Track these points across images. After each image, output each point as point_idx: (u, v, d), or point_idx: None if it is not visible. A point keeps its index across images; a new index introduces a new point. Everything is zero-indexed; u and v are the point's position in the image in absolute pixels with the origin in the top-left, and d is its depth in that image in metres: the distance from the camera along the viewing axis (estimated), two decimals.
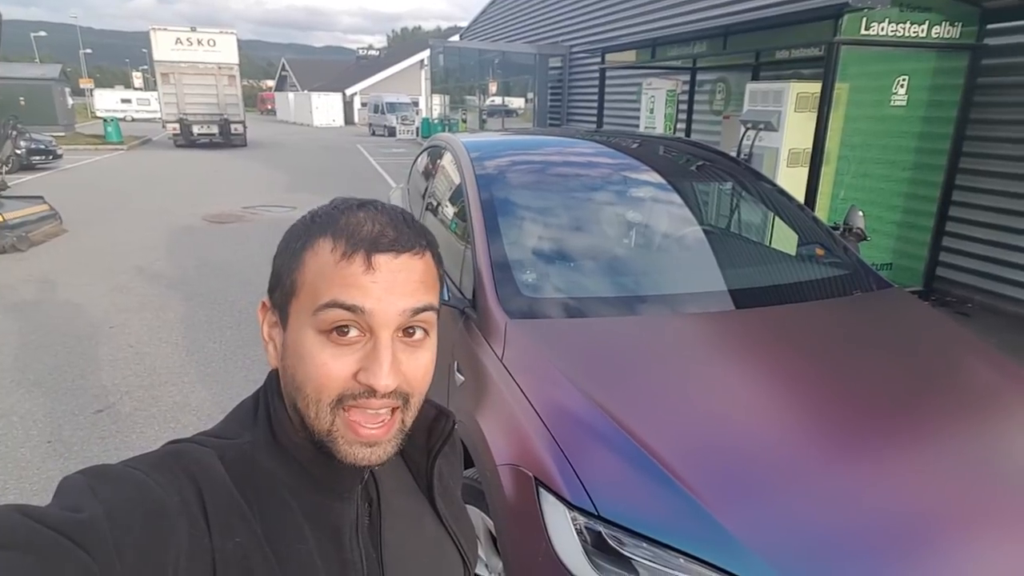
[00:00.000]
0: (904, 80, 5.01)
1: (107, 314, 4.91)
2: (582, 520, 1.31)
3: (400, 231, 0.60)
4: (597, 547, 1.29)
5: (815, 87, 5.00)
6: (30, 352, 4.16)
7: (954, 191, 5.29)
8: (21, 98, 20.33)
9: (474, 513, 1.67)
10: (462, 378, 1.92)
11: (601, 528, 1.28)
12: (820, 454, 1.44)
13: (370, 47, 55.78)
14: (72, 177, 13.25)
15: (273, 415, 0.62)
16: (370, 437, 0.58)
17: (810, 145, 4.89)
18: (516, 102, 17.67)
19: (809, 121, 4.96)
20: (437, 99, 22.83)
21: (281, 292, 0.61)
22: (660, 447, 1.38)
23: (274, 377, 0.64)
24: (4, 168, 7.69)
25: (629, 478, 1.34)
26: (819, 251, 2.43)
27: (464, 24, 23.17)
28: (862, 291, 2.22)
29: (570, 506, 1.32)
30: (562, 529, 1.33)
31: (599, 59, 8.84)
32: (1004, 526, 1.30)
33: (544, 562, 1.34)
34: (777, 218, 2.65)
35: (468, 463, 1.66)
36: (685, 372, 1.72)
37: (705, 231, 2.64)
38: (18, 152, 9.14)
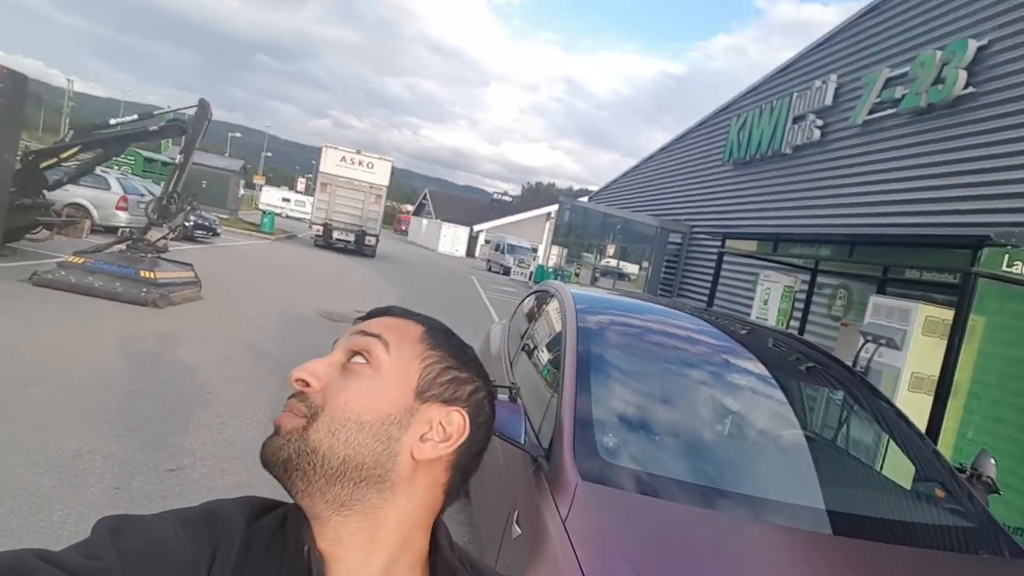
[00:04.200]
0: None
1: (209, 380, 5.22)
2: None
3: (396, 308, 0.72)
4: None
5: (947, 313, 4.73)
6: (132, 400, 4.45)
7: None
8: (204, 181, 23.61)
9: None
10: (519, 531, 1.81)
11: None
12: None
13: (505, 193, 60.71)
14: (222, 253, 14.85)
15: None
16: (276, 420, 0.62)
17: (937, 372, 4.53)
18: (630, 267, 18.12)
19: (938, 347, 4.64)
20: (555, 250, 23.93)
21: None
22: None
23: None
24: (171, 235, 8.75)
25: None
26: (939, 492, 2.16)
27: (592, 187, 24.72)
28: (990, 553, 1.92)
29: None
30: None
31: (719, 242, 9.01)
32: None
33: None
34: (892, 443, 2.42)
35: None
36: None
37: (808, 437, 2.45)
38: (186, 224, 10.51)
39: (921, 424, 4.28)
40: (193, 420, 4.31)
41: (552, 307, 3.06)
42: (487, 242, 40.99)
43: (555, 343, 2.64)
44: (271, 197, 45.64)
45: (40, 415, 3.88)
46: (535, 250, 34.02)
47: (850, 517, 1.94)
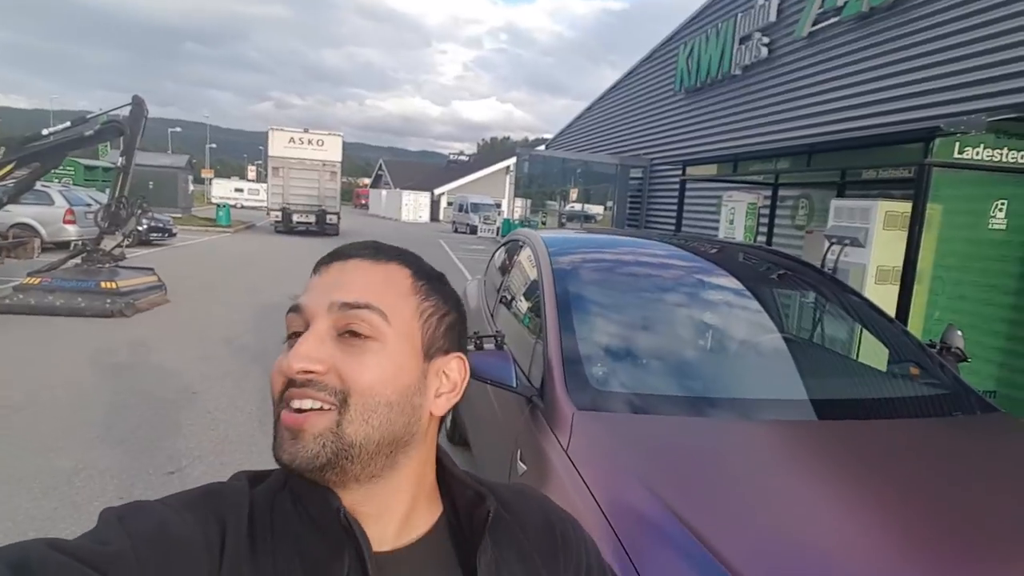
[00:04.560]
0: (1003, 204, 4.81)
1: (192, 380, 5.17)
2: None
3: (364, 246, 0.64)
4: None
5: (905, 206, 4.87)
6: (117, 411, 4.39)
7: None
8: (151, 182, 22.77)
9: None
10: (524, 467, 1.87)
11: None
12: None
13: (461, 153, 59.84)
14: (182, 253, 14.48)
15: None
16: (291, 422, 0.56)
17: (900, 263, 4.69)
18: (595, 208, 18.16)
19: (899, 239, 4.80)
20: (519, 202, 23.77)
21: None
22: (733, 557, 1.27)
23: None
24: (125, 241, 8.49)
25: None
26: (914, 370, 2.27)
27: (548, 136, 24.50)
28: (964, 413, 2.05)
29: None
30: None
31: (680, 171, 9.05)
32: None
33: None
34: (865, 331, 2.53)
35: None
36: (762, 480, 1.61)
37: (786, 339, 2.54)
38: (139, 228, 10.13)
39: (890, 312, 4.46)
40: (183, 421, 4.29)
41: (524, 255, 3.07)
42: (450, 204, 40.56)
43: (532, 289, 2.66)
44: (223, 189, 44.31)
45: (27, 440, 3.82)
46: (499, 205, 33.81)
47: (833, 403, 2.04)
